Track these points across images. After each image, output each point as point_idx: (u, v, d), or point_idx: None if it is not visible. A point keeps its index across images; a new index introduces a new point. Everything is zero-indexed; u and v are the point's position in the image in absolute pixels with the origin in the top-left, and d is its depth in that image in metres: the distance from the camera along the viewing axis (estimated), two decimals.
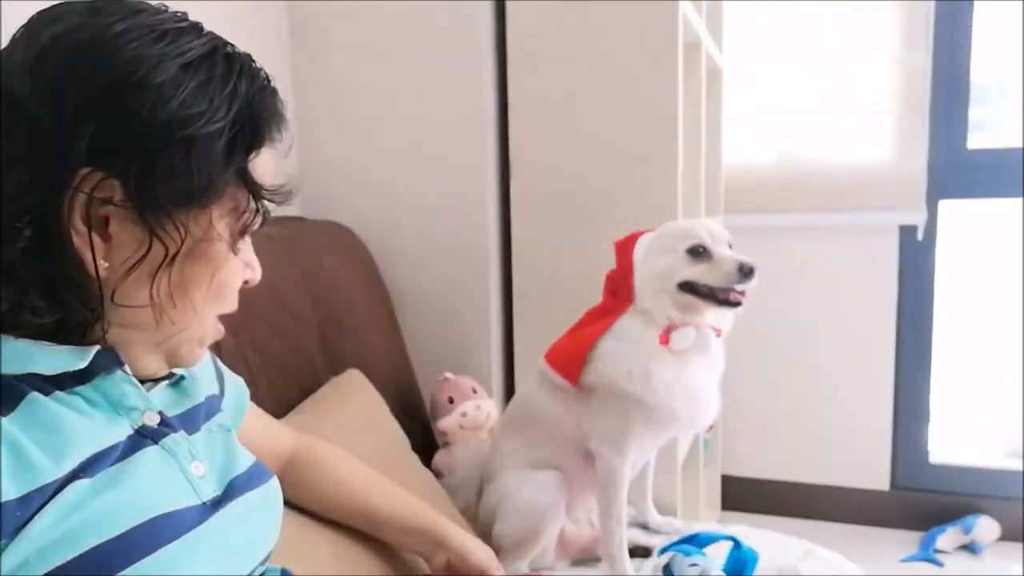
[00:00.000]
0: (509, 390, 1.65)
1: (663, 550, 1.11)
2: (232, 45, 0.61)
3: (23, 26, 0.58)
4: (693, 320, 1.09)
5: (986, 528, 2.11)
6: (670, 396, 1.08)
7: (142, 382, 0.63)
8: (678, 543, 1.09)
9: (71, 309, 0.57)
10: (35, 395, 0.55)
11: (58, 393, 0.57)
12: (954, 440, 2.34)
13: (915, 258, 2.18)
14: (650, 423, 1.11)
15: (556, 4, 1.49)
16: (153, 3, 0.60)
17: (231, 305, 0.66)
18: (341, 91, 1.63)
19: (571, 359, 1.13)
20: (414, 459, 1.24)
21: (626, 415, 1.10)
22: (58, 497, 0.53)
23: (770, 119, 2.22)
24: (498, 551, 1.05)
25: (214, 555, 0.60)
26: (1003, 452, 2.32)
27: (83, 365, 0.57)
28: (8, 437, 0.52)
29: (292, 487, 0.87)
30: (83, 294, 0.57)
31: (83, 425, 0.57)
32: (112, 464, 0.57)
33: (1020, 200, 2.10)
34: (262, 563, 0.69)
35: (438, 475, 1.32)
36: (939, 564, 2.05)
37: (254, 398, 0.88)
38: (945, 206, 2.16)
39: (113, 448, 0.58)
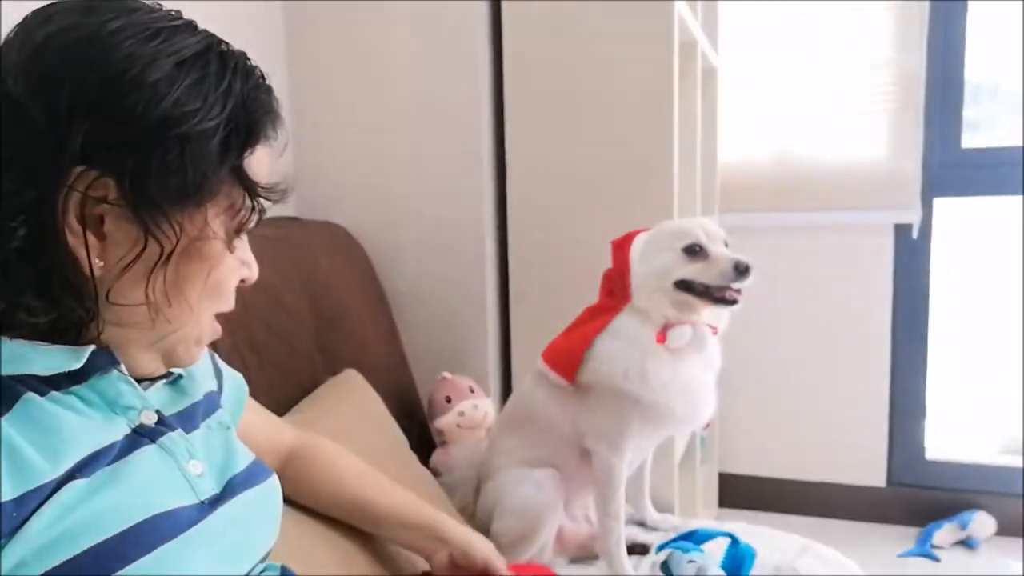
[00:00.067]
0: (506, 389, 1.65)
1: (661, 547, 1.11)
2: (226, 43, 0.61)
3: (17, 25, 0.57)
4: (689, 318, 1.09)
5: (982, 523, 2.11)
6: (667, 394, 1.08)
7: (139, 381, 0.62)
8: (676, 540, 1.09)
9: (66, 308, 0.57)
10: (31, 396, 0.55)
11: (54, 393, 0.56)
12: (950, 436, 2.35)
13: (910, 256, 2.19)
14: (647, 421, 1.11)
15: (552, 4, 1.50)
16: (147, 2, 0.60)
17: (228, 304, 0.65)
18: (338, 91, 1.63)
19: (568, 358, 1.13)
20: (412, 458, 1.24)
21: (623, 413, 1.10)
22: (55, 497, 0.52)
23: (765, 119, 2.23)
24: (496, 549, 1.04)
25: (213, 553, 0.60)
26: (999, 448, 2.33)
27: (79, 365, 0.57)
28: (4, 438, 0.52)
29: (291, 482, 0.86)
30: (78, 293, 0.57)
31: (79, 425, 0.56)
32: (109, 464, 0.57)
33: (1015, 198, 2.12)
34: (262, 561, 0.69)
35: (436, 474, 1.32)
36: (936, 559, 2.06)
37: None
38: (940, 204, 2.17)
39: (110, 448, 0.58)
